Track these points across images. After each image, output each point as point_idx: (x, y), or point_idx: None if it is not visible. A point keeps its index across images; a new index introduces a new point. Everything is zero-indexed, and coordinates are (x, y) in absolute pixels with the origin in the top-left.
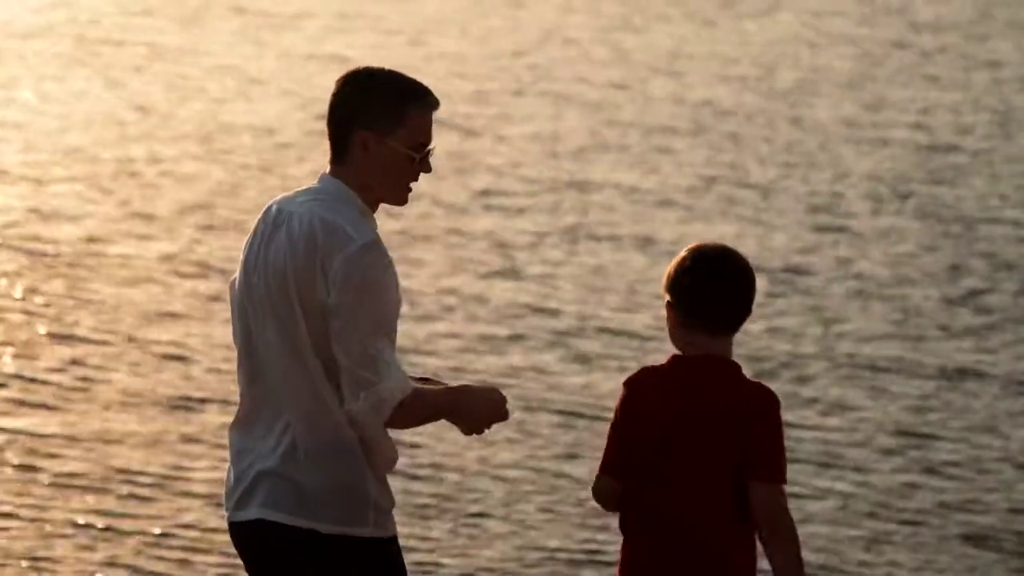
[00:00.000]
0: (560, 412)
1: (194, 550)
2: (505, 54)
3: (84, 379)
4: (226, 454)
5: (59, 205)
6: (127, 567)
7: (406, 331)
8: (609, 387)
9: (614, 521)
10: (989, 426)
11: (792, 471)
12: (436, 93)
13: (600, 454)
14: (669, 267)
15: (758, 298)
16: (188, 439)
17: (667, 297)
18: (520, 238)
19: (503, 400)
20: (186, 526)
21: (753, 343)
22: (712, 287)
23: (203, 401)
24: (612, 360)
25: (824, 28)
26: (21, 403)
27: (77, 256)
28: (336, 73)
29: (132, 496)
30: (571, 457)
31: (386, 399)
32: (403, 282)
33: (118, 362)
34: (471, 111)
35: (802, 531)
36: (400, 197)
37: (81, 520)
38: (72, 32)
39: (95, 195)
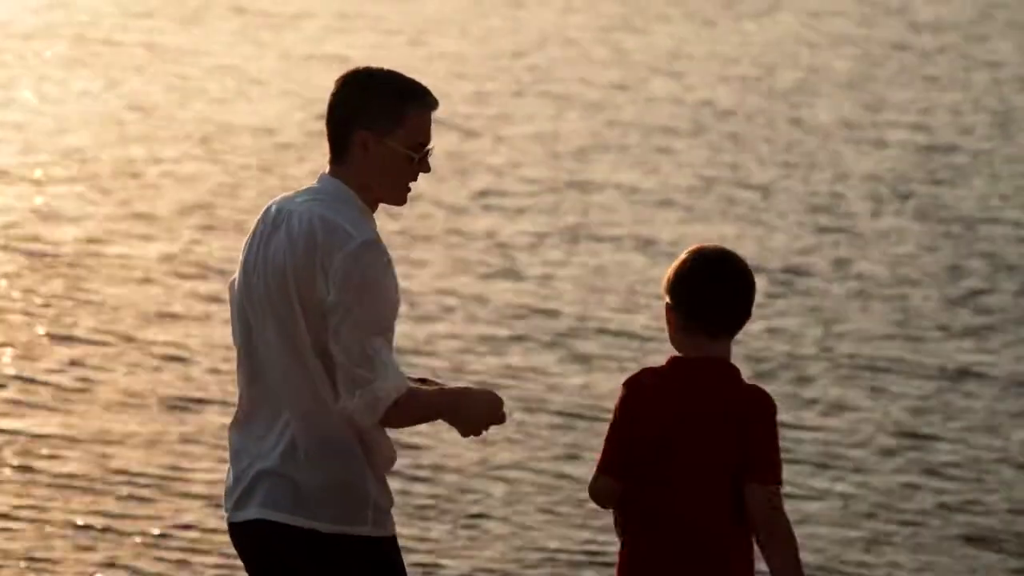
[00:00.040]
0: (560, 413)
1: (193, 551)
2: (505, 54)
3: (83, 379)
4: (225, 455)
5: (59, 205)
6: (126, 568)
7: (406, 332)
8: (609, 388)
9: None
10: (989, 427)
11: (792, 472)
12: (436, 93)
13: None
14: (669, 269)
15: (758, 298)
16: (187, 440)
17: (667, 299)
18: (520, 239)
19: (500, 403)
20: (185, 527)
21: (753, 343)
22: (712, 290)
23: (203, 402)
24: (612, 361)
25: (824, 28)
26: (20, 403)
27: (77, 256)
28: (336, 73)
29: (131, 497)
30: (571, 458)
31: (381, 398)
32: (403, 283)
33: (117, 363)
34: (471, 111)
35: (802, 532)
36: (399, 197)
37: (80, 521)
38: (72, 32)
39: (95, 195)
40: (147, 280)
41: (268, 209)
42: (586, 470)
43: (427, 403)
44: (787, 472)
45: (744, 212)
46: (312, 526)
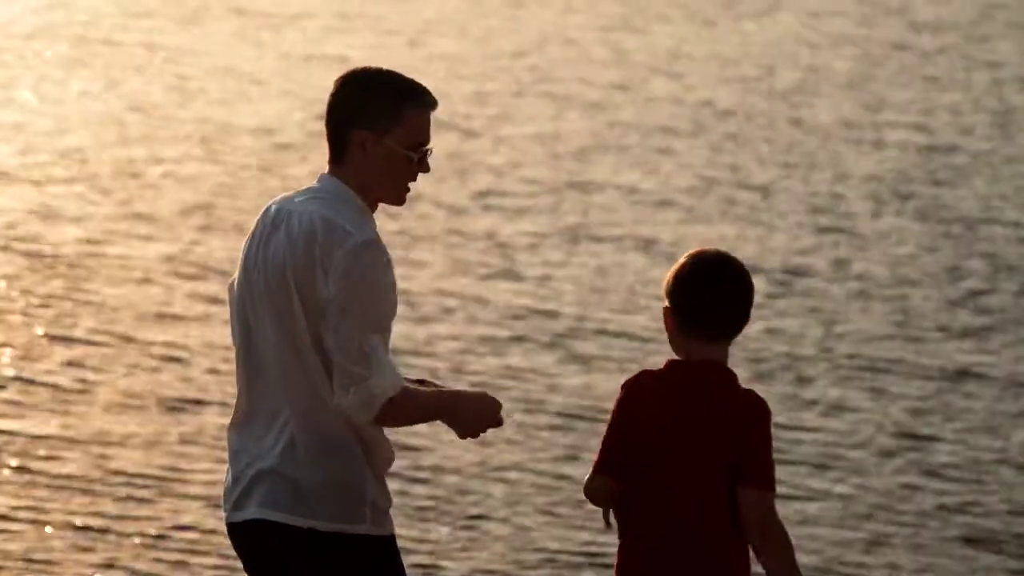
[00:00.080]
0: (560, 414)
1: (192, 551)
2: (505, 55)
3: (82, 380)
4: (225, 455)
5: (58, 206)
6: (125, 569)
7: (406, 332)
8: (609, 389)
9: (614, 523)
10: (989, 427)
11: (791, 473)
12: (435, 94)
13: None
14: (669, 272)
15: (758, 299)
16: (187, 440)
17: (666, 302)
18: (520, 239)
19: (497, 406)
20: (184, 528)
21: (753, 344)
22: (710, 294)
23: (202, 403)
24: (612, 362)
25: (824, 29)
26: (20, 404)
27: (76, 257)
28: (336, 74)
29: (130, 498)
30: (571, 459)
31: (376, 395)
32: (403, 283)
33: (117, 363)
34: (471, 112)
35: (801, 533)
36: (398, 197)
37: (79, 521)
38: (72, 33)
39: (95, 196)
40: (147, 281)
41: (268, 209)
42: (586, 471)
43: (424, 403)
44: (787, 473)
45: (744, 212)
46: (311, 525)
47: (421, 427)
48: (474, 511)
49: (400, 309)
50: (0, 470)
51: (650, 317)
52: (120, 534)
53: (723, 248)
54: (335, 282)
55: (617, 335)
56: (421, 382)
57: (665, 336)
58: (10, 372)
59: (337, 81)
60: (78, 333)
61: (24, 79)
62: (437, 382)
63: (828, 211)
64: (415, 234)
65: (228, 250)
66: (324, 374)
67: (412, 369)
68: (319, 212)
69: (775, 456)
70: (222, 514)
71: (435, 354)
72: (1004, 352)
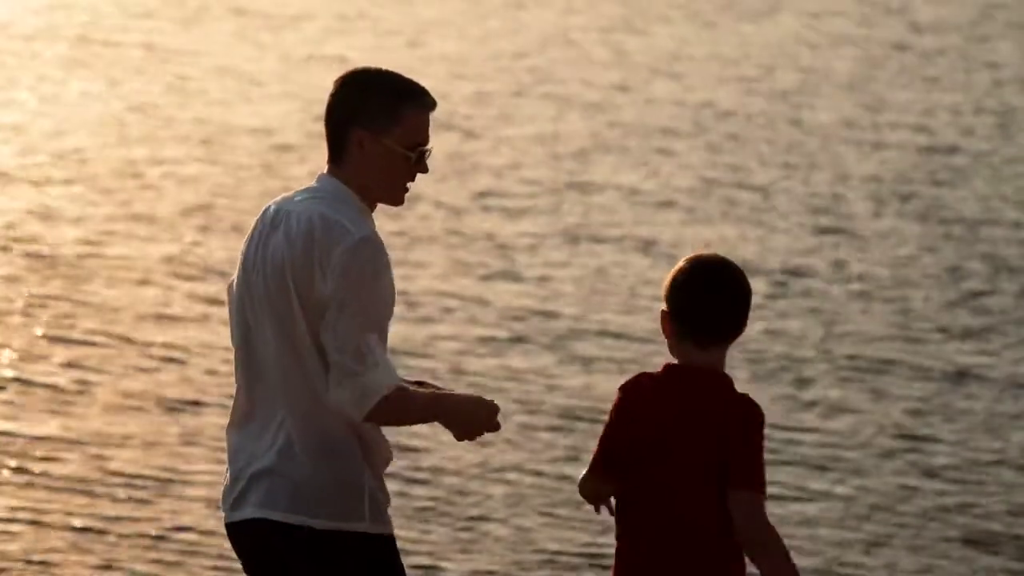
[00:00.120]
0: (560, 415)
1: (192, 552)
2: (506, 55)
3: (82, 381)
4: (224, 456)
5: (58, 207)
6: (124, 570)
7: (406, 333)
8: (609, 390)
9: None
10: (989, 428)
11: (791, 474)
12: (436, 94)
13: None
14: (667, 276)
15: (758, 300)
16: (187, 441)
17: (664, 306)
18: (520, 240)
19: (494, 410)
20: (184, 529)
21: (753, 345)
22: (708, 299)
23: (201, 403)
24: (612, 363)
25: (824, 29)
26: (19, 405)
27: (76, 258)
28: (336, 74)
29: (130, 499)
30: (571, 460)
31: (370, 391)
32: (403, 284)
33: (116, 364)
34: (471, 112)
35: (801, 534)
36: (396, 197)
37: (78, 523)
38: (72, 33)
39: (95, 197)
40: (146, 281)
41: (266, 210)
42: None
43: (419, 404)
44: (787, 474)
45: (745, 213)
46: (308, 523)
47: (421, 428)
48: (474, 512)
49: (400, 310)
50: None
51: (650, 318)
52: (119, 535)
53: (724, 249)
54: (333, 279)
55: (617, 336)
56: (420, 384)
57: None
58: (9, 373)
59: (336, 81)
60: (77, 334)
61: (24, 80)
62: (436, 384)
63: (828, 212)
64: (415, 235)
65: (228, 251)
66: (323, 376)
67: (412, 370)
68: (317, 211)
69: (775, 456)
70: (221, 515)
71: (435, 355)
72: (1004, 353)
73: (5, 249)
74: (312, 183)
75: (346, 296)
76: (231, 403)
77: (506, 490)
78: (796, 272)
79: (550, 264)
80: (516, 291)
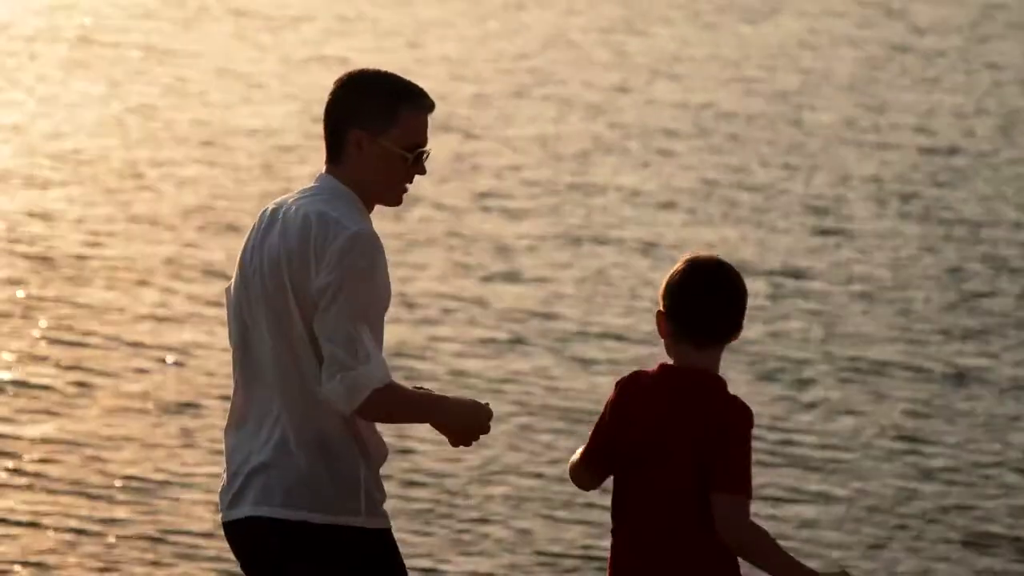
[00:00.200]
0: (560, 417)
1: (191, 554)
2: (506, 57)
3: (82, 383)
4: (223, 458)
5: (58, 208)
6: (125, 571)
7: (406, 334)
8: (610, 391)
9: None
10: (990, 430)
11: (792, 475)
12: (436, 95)
13: None
14: (665, 276)
15: (759, 301)
16: (185, 443)
17: (660, 306)
18: (521, 241)
19: (487, 413)
20: (184, 530)
21: (753, 346)
22: (704, 300)
23: (201, 405)
24: (613, 364)
25: (825, 31)
26: (18, 407)
27: (76, 259)
28: (336, 75)
29: (130, 500)
30: None
31: (361, 384)
32: (403, 285)
33: (116, 365)
34: (472, 113)
35: (801, 535)
36: (394, 198)
37: (77, 524)
38: (72, 35)
39: (94, 198)
40: (146, 283)
41: (264, 212)
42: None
43: (411, 401)
44: (786, 476)
45: (745, 214)
46: (305, 518)
47: (421, 430)
48: (474, 514)
49: (400, 311)
50: None
51: (651, 320)
52: (118, 536)
53: (725, 250)
54: (328, 272)
55: (618, 338)
56: (419, 389)
57: None
58: (9, 374)
59: (335, 83)
60: (77, 335)
61: (24, 80)
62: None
63: (829, 213)
64: (415, 236)
65: (227, 252)
66: (318, 369)
67: (412, 371)
68: (315, 208)
69: (775, 458)
70: (219, 515)
71: (435, 356)
72: (1005, 354)
73: (5, 250)
74: (311, 183)
75: (339, 287)
76: (229, 405)
77: (506, 492)
78: (797, 273)
79: (550, 265)
80: (516, 293)
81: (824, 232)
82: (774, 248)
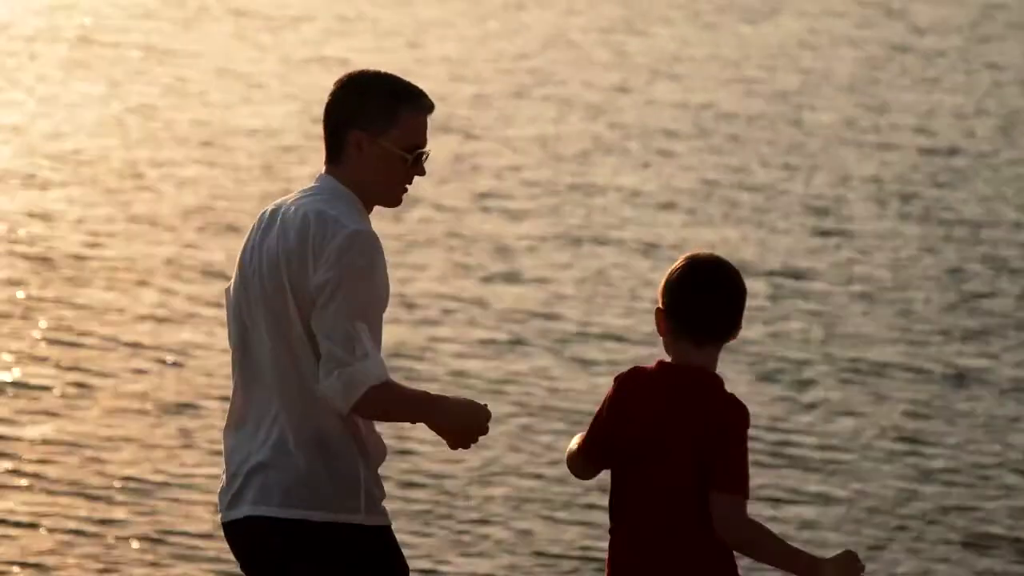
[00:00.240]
0: (560, 418)
1: (191, 555)
2: (506, 57)
3: (82, 384)
4: (222, 459)
5: (58, 208)
6: (124, 571)
7: (406, 335)
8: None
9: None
10: (990, 431)
11: (792, 476)
12: (436, 96)
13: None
14: (665, 274)
15: (760, 301)
16: (185, 444)
17: (659, 304)
18: (521, 242)
19: (485, 414)
20: (183, 531)
21: (754, 346)
22: (703, 299)
23: (200, 406)
24: (613, 365)
25: (825, 31)
26: (18, 407)
27: (77, 259)
28: (336, 76)
29: (130, 501)
30: None
31: (358, 381)
32: (403, 286)
33: (115, 366)
34: (472, 114)
35: (801, 537)
36: (393, 198)
37: (76, 525)
38: (72, 35)
39: (95, 198)
40: (146, 283)
41: (263, 213)
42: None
43: (408, 399)
44: (786, 476)
45: (746, 215)
46: (304, 516)
47: (421, 431)
48: (474, 515)
49: (400, 312)
50: None
51: (651, 320)
52: (117, 537)
53: (725, 250)
54: (326, 269)
55: (618, 339)
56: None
57: None
58: (8, 375)
59: (335, 83)
60: (76, 336)
61: (24, 80)
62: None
63: (829, 213)
64: (415, 237)
65: (227, 253)
66: (316, 368)
67: (412, 371)
68: (313, 208)
69: (775, 459)
70: (219, 516)
71: (435, 357)
72: (1005, 355)
73: (5, 251)
74: (311, 184)
75: (337, 284)
76: (228, 406)
77: (506, 492)
78: (797, 273)
79: (550, 266)
80: (516, 293)
81: (824, 232)
82: (774, 248)
